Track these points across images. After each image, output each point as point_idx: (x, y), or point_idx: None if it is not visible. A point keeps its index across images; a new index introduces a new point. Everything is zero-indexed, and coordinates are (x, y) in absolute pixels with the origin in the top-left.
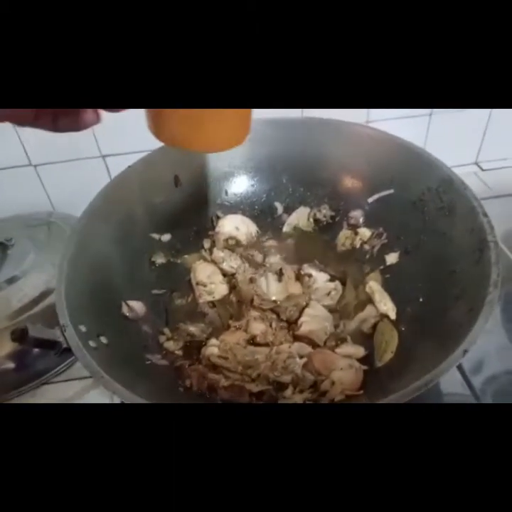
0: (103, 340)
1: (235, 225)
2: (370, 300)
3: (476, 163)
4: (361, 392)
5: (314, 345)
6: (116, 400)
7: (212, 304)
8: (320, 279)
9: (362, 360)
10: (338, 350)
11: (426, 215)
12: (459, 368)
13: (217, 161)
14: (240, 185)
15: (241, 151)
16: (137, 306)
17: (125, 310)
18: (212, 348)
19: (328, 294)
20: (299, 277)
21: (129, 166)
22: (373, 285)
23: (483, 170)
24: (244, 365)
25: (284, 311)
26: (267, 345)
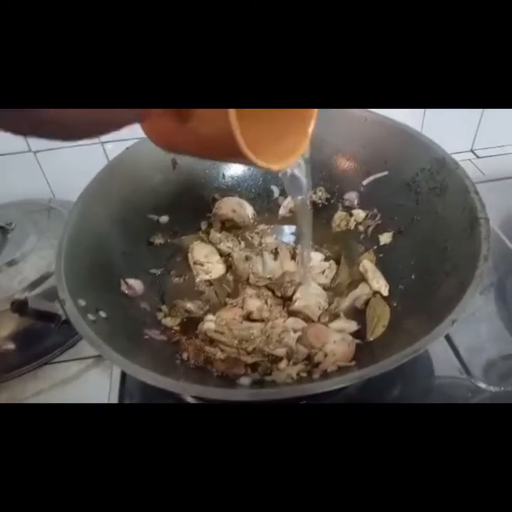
0: (102, 314)
1: (231, 207)
2: (363, 278)
3: (472, 151)
4: (353, 363)
5: (308, 320)
6: (115, 380)
7: (210, 283)
8: (315, 258)
9: (355, 335)
10: (331, 324)
11: (419, 195)
12: (456, 353)
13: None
14: (236, 168)
15: None
16: (135, 283)
17: (124, 288)
18: (209, 324)
19: (323, 272)
20: (294, 256)
21: (127, 148)
22: (366, 264)
23: (478, 157)
24: (239, 339)
25: (279, 287)
26: (262, 321)
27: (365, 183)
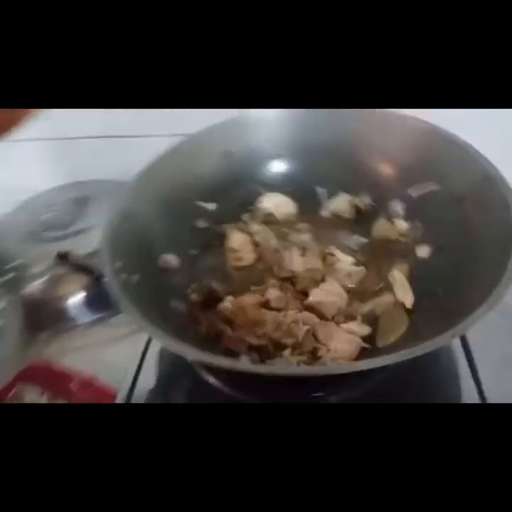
0: (135, 278)
1: (274, 203)
2: (390, 288)
3: None
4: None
5: (322, 317)
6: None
7: (239, 269)
8: (344, 260)
9: (366, 339)
10: (343, 325)
11: (464, 212)
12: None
13: (265, 142)
14: (284, 166)
15: (289, 135)
16: (172, 258)
17: (161, 261)
18: (228, 304)
19: (349, 275)
20: (323, 257)
21: (182, 140)
22: (397, 274)
23: None
24: (251, 322)
25: (300, 281)
26: (278, 310)
27: (412, 194)
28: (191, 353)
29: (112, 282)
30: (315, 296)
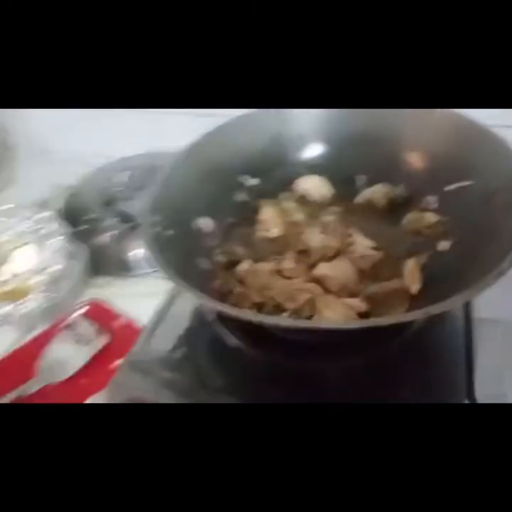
0: (169, 232)
1: (312, 185)
2: (401, 276)
3: None
4: None
5: (327, 291)
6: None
7: (265, 240)
8: (361, 242)
9: (362, 316)
10: (342, 299)
11: (492, 211)
12: None
13: (313, 124)
14: (327, 150)
15: (337, 120)
16: (208, 222)
17: (196, 223)
18: (244, 265)
19: (362, 257)
20: (342, 236)
21: (228, 121)
22: (411, 263)
23: None
24: (260, 285)
25: (314, 255)
26: (289, 279)
27: (446, 188)
28: (210, 303)
29: (145, 232)
30: (321, 269)
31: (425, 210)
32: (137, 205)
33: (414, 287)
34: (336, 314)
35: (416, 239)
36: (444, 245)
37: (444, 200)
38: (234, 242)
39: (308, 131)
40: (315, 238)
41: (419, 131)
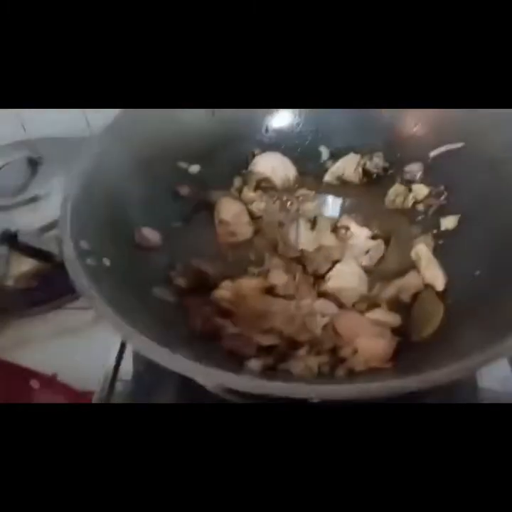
0: (106, 262)
1: (271, 165)
2: (414, 266)
3: None
4: (389, 365)
5: (341, 305)
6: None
7: (233, 246)
8: (359, 234)
9: (395, 332)
10: (368, 315)
11: (500, 176)
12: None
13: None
14: (282, 121)
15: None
16: (152, 234)
17: (138, 237)
18: (224, 292)
19: (367, 252)
20: (334, 230)
21: None
22: (421, 249)
23: None
24: (256, 315)
25: (311, 262)
26: (285, 298)
27: (433, 154)
28: (185, 367)
29: (76, 271)
30: (334, 280)
31: (410, 182)
32: (27, 218)
33: (439, 282)
34: (372, 340)
35: (411, 218)
36: (449, 222)
37: (431, 168)
38: (193, 256)
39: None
40: (306, 238)
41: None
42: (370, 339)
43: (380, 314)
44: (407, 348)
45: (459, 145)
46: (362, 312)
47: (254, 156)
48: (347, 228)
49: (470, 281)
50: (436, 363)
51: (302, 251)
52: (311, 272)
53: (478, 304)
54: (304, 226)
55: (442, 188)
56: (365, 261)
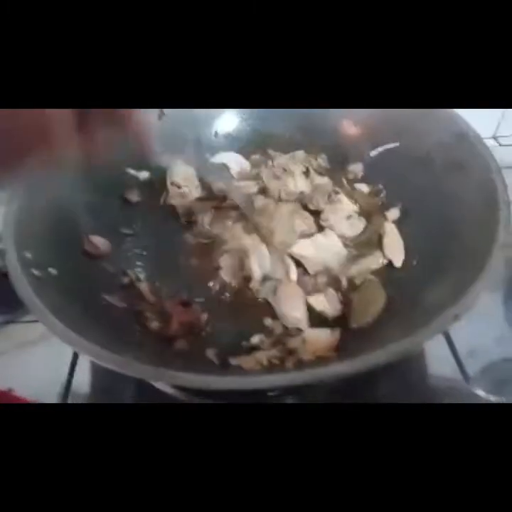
0: (52, 271)
1: (227, 159)
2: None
3: (494, 138)
4: (335, 353)
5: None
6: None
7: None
8: (346, 203)
9: (336, 320)
10: (310, 298)
11: (433, 172)
12: (454, 352)
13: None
14: (231, 125)
15: None
16: (101, 242)
17: (87, 245)
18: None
19: (349, 218)
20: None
21: None
22: (389, 226)
23: (501, 145)
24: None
25: (310, 200)
26: None
27: (372, 154)
28: (137, 370)
29: (19, 281)
30: (302, 248)
31: (352, 181)
32: None
33: (398, 259)
34: (322, 332)
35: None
36: (393, 214)
37: (371, 167)
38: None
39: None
40: (302, 183)
41: None
42: (317, 330)
43: (322, 302)
44: (349, 335)
45: (395, 144)
46: (308, 293)
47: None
48: (337, 192)
49: (409, 271)
50: (372, 348)
51: (302, 193)
52: (313, 209)
53: (415, 289)
54: (299, 175)
55: (381, 186)
56: (346, 229)
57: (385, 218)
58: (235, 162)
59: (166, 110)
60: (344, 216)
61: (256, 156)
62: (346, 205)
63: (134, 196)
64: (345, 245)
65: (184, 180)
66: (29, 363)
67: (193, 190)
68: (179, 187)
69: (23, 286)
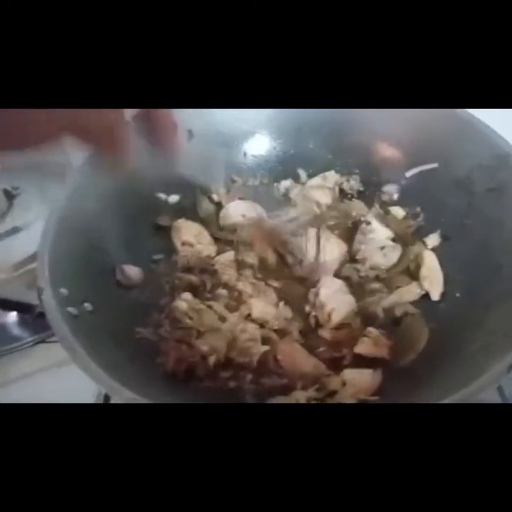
0: (87, 306)
1: (240, 213)
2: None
3: None
4: (377, 398)
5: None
6: None
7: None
8: (379, 231)
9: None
10: (357, 348)
11: (473, 195)
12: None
13: (236, 118)
14: (260, 146)
15: (265, 109)
16: (133, 271)
17: (119, 275)
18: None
19: (382, 249)
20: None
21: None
22: (429, 255)
23: None
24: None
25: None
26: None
27: (408, 175)
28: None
29: (55, 320)
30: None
31: (387, 203)
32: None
33: (435, 292)
34: (362, 374)
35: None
36: (432, 240)
37: (406, 189)
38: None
39: (230, 125)
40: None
41: (369, 112)
42: (357, 371)
43: (369, 345)
44: (393, 375)
45: (433, 166)
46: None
47: (234, 182)
48: (368, 223)
49: (452, 304)
50: (423, 395)
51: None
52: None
53: (461, 327)
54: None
55: (418, 209)
56: (380, 259)
57: (425, 245)
58: (250, 212)
59: (195, 131)
60: (378, 246)
61: (287, 182)
62: (380, 234)
63: (165, 221)
64: (379, 279)
65: (196, 238)
66: (62, 383)
67: (207, 247)
68: (192, 245)
69: (59, 325)
